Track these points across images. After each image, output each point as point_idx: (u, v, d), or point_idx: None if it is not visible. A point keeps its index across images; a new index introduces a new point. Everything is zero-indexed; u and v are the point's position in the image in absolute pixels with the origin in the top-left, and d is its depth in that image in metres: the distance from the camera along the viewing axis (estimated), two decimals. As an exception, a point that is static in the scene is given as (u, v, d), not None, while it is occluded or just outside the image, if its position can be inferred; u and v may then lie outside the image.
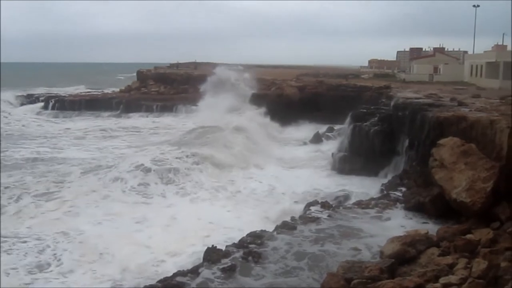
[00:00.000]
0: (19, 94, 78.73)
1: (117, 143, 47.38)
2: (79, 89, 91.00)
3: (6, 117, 61.98)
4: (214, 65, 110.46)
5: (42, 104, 71.27)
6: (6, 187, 28.55)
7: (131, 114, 63.77)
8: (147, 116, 62.83)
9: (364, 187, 28.67)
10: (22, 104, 72.75)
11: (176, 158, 34.57)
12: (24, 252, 20.28)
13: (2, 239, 21.11)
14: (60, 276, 18.36)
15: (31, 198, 27.11)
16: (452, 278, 12.84)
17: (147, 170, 31.65)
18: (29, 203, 26.35)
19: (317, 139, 45.74)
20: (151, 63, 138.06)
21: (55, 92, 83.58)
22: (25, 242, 21.27)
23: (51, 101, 70.20)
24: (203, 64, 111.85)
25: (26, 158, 39.17)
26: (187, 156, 34.80)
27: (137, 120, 61.28)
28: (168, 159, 34.35)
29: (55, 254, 20.17)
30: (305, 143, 45.77)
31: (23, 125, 59.02)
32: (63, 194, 27.84)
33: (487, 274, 12.45)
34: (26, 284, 17.65)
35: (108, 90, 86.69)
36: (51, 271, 18.86)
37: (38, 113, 66.64)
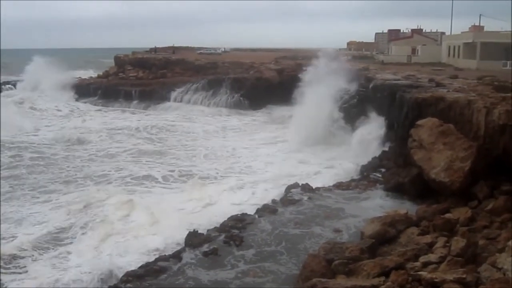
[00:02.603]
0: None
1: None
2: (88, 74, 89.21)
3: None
4: (192, 50, 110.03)
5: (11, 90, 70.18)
6: None
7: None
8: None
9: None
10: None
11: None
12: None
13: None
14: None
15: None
16: (432, 257, 13.03)
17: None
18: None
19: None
20: (129, 48, 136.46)
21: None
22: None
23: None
24: (182, 49, 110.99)
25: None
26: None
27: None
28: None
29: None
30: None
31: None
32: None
33: (465, 252, 12.65)
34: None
35: (85, 76, 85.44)
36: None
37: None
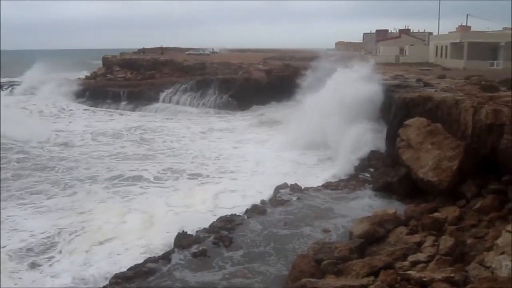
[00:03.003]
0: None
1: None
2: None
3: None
4: (181, 50, 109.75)
5: (7, 91, 69.27)
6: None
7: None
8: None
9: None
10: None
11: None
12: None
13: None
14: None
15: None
16: (420, 256, 13.06)
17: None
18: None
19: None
20: (117, 49, 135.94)
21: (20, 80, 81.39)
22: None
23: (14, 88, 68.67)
24: (170, 49, 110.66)
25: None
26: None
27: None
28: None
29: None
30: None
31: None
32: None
33: (454, 251, 12.70)
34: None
35: (72, 78, 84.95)
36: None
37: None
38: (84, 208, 22.18)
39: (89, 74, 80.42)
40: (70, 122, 49.87)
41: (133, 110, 57.26)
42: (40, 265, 16.84)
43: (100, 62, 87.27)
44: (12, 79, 79.27)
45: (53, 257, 17.40)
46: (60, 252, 17.79)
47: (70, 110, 57.32)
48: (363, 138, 28.06)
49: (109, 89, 64.00)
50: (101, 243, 18.29)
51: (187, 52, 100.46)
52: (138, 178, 27.53)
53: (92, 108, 58.99)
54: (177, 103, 57.68)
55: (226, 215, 18.95)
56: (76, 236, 19.05)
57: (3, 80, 77.89)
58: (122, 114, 54.87)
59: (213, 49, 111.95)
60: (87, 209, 22.02)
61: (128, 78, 69.67)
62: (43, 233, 19.41)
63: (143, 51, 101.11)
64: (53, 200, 23.97)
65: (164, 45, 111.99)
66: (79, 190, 25.40)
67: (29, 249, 18.05)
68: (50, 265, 16.81)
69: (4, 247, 18.06)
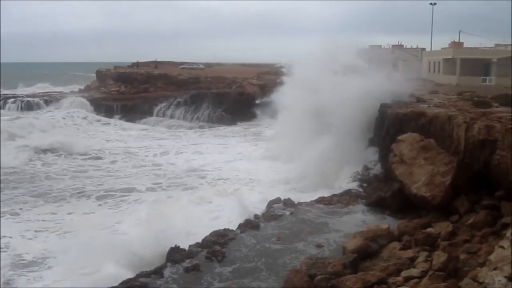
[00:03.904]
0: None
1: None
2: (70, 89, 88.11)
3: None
4: (174, 64, 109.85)
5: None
6: None
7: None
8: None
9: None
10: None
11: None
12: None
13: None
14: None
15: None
16: (414, 271, 13.04)
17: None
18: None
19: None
20: (111, 62, 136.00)
21: (12, 93, 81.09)
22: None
23: (8, 102, 67.55)
24: (164, 63, 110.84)
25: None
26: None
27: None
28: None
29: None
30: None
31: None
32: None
33: (447, 266, 12.67)
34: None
35: (67, 90, 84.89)
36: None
37: None
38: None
39: (82, 88, 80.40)
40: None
41: (127, 122, 57.19)
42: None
43: (93, 75, 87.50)
44: (5, 92, 79.04)
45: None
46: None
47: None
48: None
49: (103, 102, 63.99)
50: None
51: (181, 66, 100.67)
52: (130, 190, 27.75)
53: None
54: (171, 117, 57.82)
55: (219, 230, 18.84)
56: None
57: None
58: (115, 128, 54.76)
59: (201, 64, 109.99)
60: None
61: (122, 92, 69.77)
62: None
63: (137, 64, 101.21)
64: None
65: (158, 59, 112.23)
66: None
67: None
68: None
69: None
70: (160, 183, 30.24)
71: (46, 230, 21.94)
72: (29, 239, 20.95)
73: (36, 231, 21.79)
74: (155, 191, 28.63)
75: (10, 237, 20.64)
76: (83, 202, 26.74)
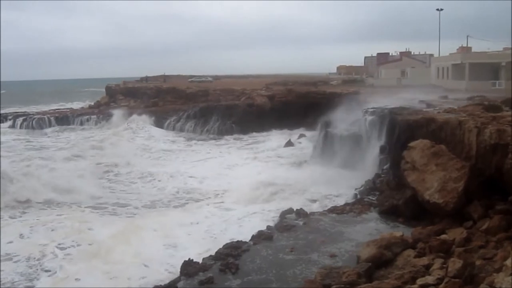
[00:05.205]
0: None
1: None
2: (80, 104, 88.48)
3: None
4: (183, 78, 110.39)
5: (10, 123, 68.34)
6: None
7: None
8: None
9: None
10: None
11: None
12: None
13: None
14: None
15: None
16: (429, 279, 12.92)
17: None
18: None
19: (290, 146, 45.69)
20: (120, 77, 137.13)
21: (23, 111, 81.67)
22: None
23: (19, 120, 67.54)
24: (173, 77, 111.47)
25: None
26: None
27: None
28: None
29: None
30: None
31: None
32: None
33: (463, 273, 12.56)
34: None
35: (77, 106, 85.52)
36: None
37: (4, 133, 62.90)
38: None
39: (92, 103, 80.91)
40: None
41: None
42: None
43: (102, 90, 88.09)
44: (15, 110, 79.65)
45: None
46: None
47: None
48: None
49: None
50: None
51: (190, 80, 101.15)
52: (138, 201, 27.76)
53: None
54: (181, 130, 57.94)
55: (232, 242, 18.84)
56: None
57: (5, 111, 77.89)
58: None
59: (210, 78, 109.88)
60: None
61: (132, 106, 70.04)
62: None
63: (146, 79, 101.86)
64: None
65: (167, 73, 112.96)
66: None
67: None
68: None
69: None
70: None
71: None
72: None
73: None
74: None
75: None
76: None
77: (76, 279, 17.41)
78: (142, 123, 59.25)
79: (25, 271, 18.26)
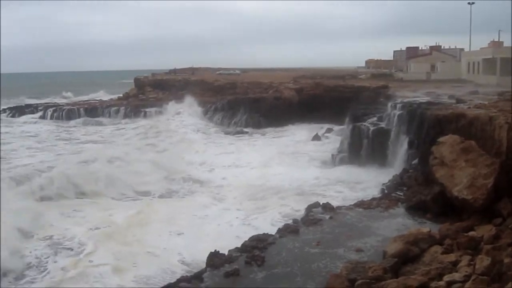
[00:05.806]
0: (15, 105, 78.05)
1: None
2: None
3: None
4: (211, 70, 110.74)
5: (40, 113, 69.44)
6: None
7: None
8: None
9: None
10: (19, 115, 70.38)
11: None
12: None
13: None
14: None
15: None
16: (456, 276, 12.82)
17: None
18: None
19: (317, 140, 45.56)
20: (149, 69, 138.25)
21: (53, 102, 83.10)
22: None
23: (50, 111, 68.68)
24: (201, 69, 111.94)
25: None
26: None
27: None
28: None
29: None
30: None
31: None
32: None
33: (491, 270, 12.43)
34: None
35: (106, 98, 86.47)
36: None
37: (36, 122, 63.89)
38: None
39: (121, 95, 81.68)
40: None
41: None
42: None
43: (131, 81, 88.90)
44: (43, 101, 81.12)
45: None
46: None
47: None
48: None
49: (142, 109, 65.04)
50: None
51: (218, 72, 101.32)
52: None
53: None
54: (210, 122, 58.28)
55: (258, 234, 18.93)
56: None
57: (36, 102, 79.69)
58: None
59: (237, 71, 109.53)
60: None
61: (160, 99, 70.59)
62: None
63: (175, 71, 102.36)
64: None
65: (195, 66, 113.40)
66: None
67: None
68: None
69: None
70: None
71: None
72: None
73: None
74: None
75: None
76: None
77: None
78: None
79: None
